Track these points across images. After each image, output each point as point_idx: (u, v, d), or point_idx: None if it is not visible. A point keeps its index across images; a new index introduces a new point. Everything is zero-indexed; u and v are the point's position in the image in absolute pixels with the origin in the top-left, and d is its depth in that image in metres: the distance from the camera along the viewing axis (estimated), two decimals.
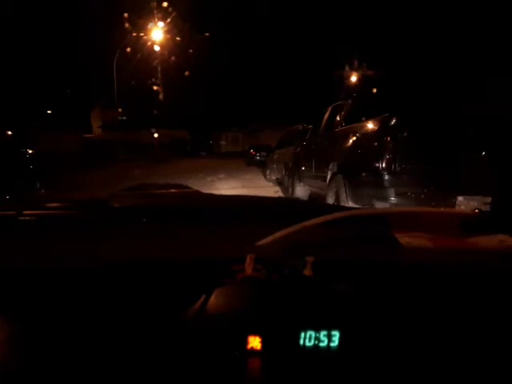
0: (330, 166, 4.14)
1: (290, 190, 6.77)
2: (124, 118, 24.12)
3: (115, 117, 23.13)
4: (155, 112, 22.69)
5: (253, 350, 0.63)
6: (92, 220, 1.05)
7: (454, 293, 0.72)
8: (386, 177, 3.16)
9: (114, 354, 0.62)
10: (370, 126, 3.57)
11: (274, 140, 14.30)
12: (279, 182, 8.74)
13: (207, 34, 17.90)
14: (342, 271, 0.75)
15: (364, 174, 3.39)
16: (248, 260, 0.71)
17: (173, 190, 1.76)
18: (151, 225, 1.01)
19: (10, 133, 10.06)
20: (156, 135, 21.94)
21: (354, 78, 15.10)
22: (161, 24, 15.00)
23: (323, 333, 0.64)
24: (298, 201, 1.97)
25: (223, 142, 34.02)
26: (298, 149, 6.43)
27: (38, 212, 1.09)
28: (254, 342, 0.63)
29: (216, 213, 1.11)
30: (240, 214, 1.11)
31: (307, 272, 0.72)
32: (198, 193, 1.65)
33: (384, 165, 3.16)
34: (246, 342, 0.63)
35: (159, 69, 16.77)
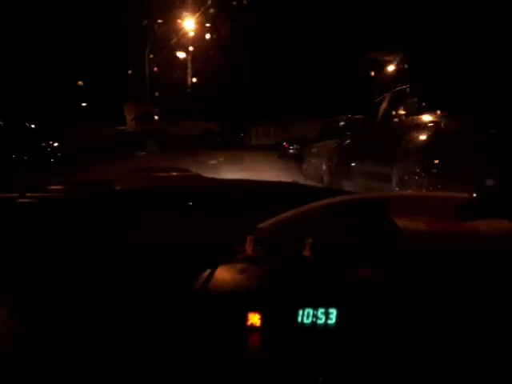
0: (399, 163, 3.38)
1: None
2: (156, 110, 24.17)
3: (148, 109, 23.14)
4: (186, 105, 22.57)
5: (252, 327, 0.65)
6: (93, 202, 1.04)
7: (452, 275, 0.73)
8: (489, 182, 2.41)
9: (116, 332, 0.63)
10: (459, 118, 2.80)
11: (305, 133, 13.55)
12: (319, 178, 7.96)
13: (213, 35, 17.25)
14: (340, 253, 0.77)
15: (456, 176, 2.63)
16: (248, 241, 0.75)
17: (174, 173, 1.78)
18: (152, 207, 1.01)
19: (32, 126, 9.79)
20: (185, 128, 21.79)
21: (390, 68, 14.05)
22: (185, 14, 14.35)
23: (321, 310, 0.66)
24: (297, 184, 1.90)
25: (254, 135, 33.54)
26: (347, 142, 5.65)
27: (39, 194, 1.11)
28: (254, 319, 0.65)
29: (216, 196, 1.12)
30: (241, 197, 1.12)
31: (306, 253, 0.74)
32: (199, 176, 1.66)
33: (486, 165, 2.41)
34: (245, 319, 0.65)
35: (189, 59, 16.33)
